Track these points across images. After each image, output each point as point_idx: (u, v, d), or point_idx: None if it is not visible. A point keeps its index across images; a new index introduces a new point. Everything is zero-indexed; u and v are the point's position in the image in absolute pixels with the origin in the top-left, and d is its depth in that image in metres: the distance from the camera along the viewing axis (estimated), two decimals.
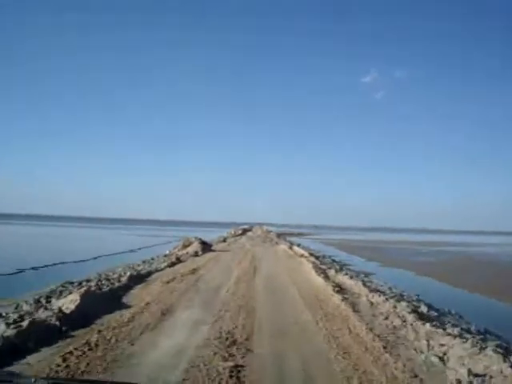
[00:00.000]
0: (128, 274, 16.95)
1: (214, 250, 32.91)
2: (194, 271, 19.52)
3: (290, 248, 38.86)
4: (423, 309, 12.95)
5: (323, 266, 23.20)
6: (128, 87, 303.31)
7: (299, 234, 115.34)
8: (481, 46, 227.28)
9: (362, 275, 24.10)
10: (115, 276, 17.22)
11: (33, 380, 2.54)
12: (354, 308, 12.04)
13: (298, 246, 49.38)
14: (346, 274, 19.16)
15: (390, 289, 18.14)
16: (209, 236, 74.12)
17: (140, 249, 45.63)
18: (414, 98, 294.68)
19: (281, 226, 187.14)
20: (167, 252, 31.75)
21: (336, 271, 20.66)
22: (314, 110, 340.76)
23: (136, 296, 13.12)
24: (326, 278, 18.04)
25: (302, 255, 30.85)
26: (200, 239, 32.56)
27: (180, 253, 30.41)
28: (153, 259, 27.76)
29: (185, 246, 31.63)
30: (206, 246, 31.69)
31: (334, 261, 33.61)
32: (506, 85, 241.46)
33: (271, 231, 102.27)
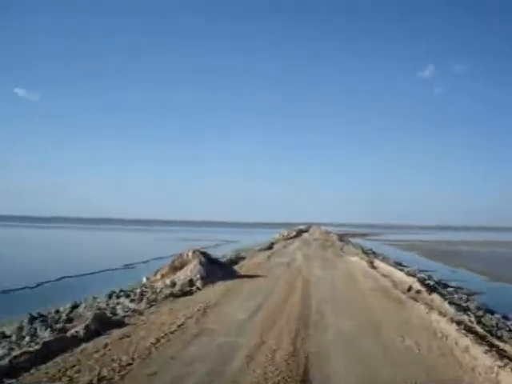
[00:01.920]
0: None
1: (235, 274, 16.96)
2: None
3: (371, 264, 22.06)
4: None
5: None
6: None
7: (363, 235, 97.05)
8: None
9: None
10: None
11: None
12: None
13: (374, 255, 32.48)
14: None
15: None
16: (257, 239, 58.32)
17: (147, 261, 30.45)
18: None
19: (338, 226, 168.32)
20: (144, 280, 16.11)
21: None
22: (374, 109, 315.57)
23: None
24: None
25: (409, 289, 14.21)
26: (203, 254, 16.40)
27: (159, 283, 14.63)
28: (117, 294, 12.39)
29: (174, 269, 15.79)
30: (212, 269, 15.61)
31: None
32: None
33: (330, 232, 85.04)
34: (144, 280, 16.00)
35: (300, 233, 73.51)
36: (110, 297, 12.27)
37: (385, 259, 29.02)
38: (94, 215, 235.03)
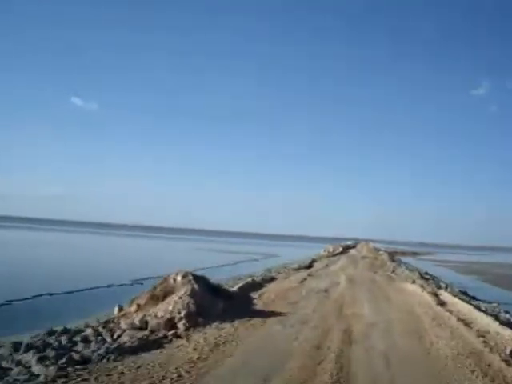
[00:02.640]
0: None
1: (246, 308, 11.76)
2: None
3: (437, 298, 16.12)
4: None
5: None
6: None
7: (414, 254, 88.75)
8: None
9: None
10: None
11: None
12: None
13: (434, 281, 26.17)
14: None
15: None
16: (300, 254, 53.19)
17: (160, 276, 25.37)
18: None
19: (386, 243, 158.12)
20: (115, 311, 11.15)
21: None
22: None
23: None
24: None
25: None
26: (197, 279, 11.21)
27: (125, 321, 9.60)
28: None
29: (155, 298, 10.78)
30: (210, 301, 10.45)
31: None
32: None
33: (380, 250, 77.55)
34: (115, 311, 11.06)
35: (347, 249, 66.92)
36: (16, 348, 7.32)
37: (449, 287, 22.79)
38: (139, 222, 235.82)
